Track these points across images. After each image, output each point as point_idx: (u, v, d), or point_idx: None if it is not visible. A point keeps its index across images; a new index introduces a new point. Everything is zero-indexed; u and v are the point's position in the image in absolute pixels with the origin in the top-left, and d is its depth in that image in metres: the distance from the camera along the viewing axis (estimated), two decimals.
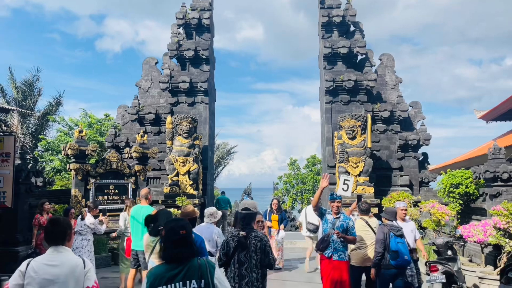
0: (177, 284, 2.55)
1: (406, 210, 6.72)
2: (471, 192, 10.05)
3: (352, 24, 15.63)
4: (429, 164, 15.59)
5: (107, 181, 11.59)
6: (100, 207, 11.26)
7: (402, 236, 5.78)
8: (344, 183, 10.98)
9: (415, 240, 6.93)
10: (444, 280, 6.34)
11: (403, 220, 6.81)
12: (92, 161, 13.14)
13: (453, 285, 6.63)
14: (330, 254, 5.50)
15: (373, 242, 6.11)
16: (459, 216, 10.25)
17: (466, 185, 10.01)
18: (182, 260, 2.60)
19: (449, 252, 7.00)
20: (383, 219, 6.14)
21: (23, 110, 22.17)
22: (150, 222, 4.52)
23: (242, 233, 4.17)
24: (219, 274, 2.67)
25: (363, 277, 6.25)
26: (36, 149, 24.55)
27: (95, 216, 8.00)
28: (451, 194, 10.25)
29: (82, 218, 7.33)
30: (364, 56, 15.49)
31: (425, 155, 15.40)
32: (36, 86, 27.07)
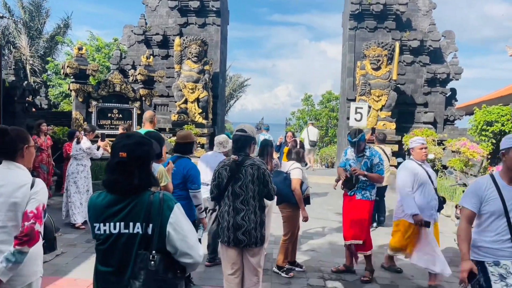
0: (117, 224, 1.85)
1: (426, 148, 4.53)
2: (507, 130, 9.08)
3: None
4: (456, 101, 14.44)
5: (110, 104, 10.82)
6: (104, 131, 10.76)
7: None
8: (356, 112, 10.01)
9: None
10: None
11: (422, 162, 4.61)
12: (93, 81, 12.26)
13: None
14: (352, 193, 4.74)
15: (387, 167, 7.01)
16: (489, 157, 9.38)
17: (502, 122, 9.01)
18: (123, 193, 1.87)
19: None
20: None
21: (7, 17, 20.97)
22: None
23: (233, 157, 3.39)
24: (178, 218, 1.88)
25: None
26: (45, 73, 23.86)
27: (93, 141, 7.34)
28: (483, 133, 9.30)
29: (78, 142, 6.64)
30: None
31: (453, 91, 14.20)
32: (43, 7, 25.77)
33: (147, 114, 6.04)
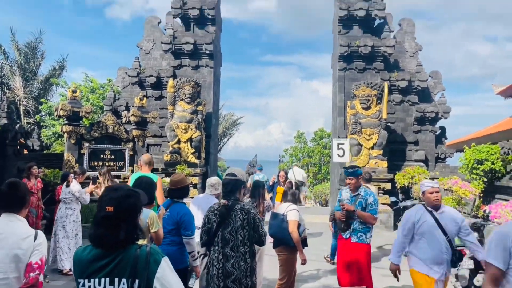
0: (102, 280, 1.81)
1: (437, 192, 3.97)
2: (497, 169, 9.17)
3: None
4: (446, 139, 14.65)
5: (103, 146, 10.84)
6: (96, 173, 10.69)
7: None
8: (338, 148, 10.03)
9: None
10: (472, 266, 5.56)
11: (435, 208, 3.99)
12: (86, 122, 12.33)
13: (480, 271, 5.90)
14: (348, 235, 4.69)
15: None
16: (481, 195, 9.41)
17: (492, 161, 9.10)
18: (108, 247, 1.84)
19: (476, 235, 6.21)
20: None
21: None
22: None
23: (223, 201, 3.39)
24: (165, 272, 1.85)
25: None
26: (39, 114, 23.97)
27: (84, 183, 7.28)
28: (474, 171, 9.36)
29: (67, 185, 6.58)
30: (382, 20, 14.31)
31: (442, 129, 14.44)
32: (39, 49, 26.29)
33: (145, 157, 5.97)
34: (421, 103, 14.03)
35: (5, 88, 23.79)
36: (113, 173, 10.81)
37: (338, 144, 8.93)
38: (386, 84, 12.42)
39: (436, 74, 14.52)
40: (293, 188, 5.65)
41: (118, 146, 11.04)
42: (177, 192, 4.15)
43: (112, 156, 10.96)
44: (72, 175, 6.91)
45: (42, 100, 23.12)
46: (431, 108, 13.70)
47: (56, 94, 26.32)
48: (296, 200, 5.26)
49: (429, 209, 3.99)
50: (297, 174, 12.33)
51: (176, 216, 3.90)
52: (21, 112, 23.37)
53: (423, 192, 4.08)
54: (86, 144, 10.56)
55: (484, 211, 7.32)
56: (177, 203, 4.05)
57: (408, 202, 9.96)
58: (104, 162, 10.84)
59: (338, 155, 8.89)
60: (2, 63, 24.77)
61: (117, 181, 8.56)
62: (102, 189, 6.15)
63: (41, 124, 22.92)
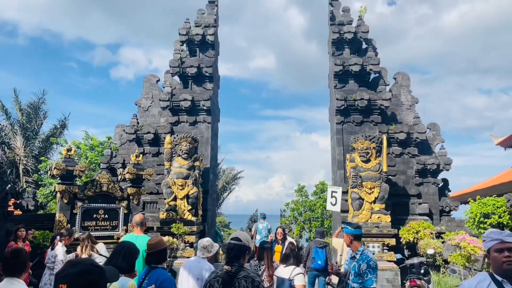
0: None
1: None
2: (505, 223, 8.80)
3: (364, 41, 14.78)
4: (449, 191, 14.32)
5: (96, 204, 10.51)
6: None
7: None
8: (331, 196, 9.51)
9: None
10: None
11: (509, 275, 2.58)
12: (79, 182, 12.13)
13: None
14: None
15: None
16: None
17: (499, 214, 8.77)
18: None
19: (422, 271, 7.61)
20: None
21: None
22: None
23: (226, 267, 3.11)
24: None
25: None
26: (37, 173, 23.85)
27: (71, 246, 6.92)
28: (481, 225, 9.00)
29: (52, 248, 6.22)
30: (377, 74, 14.55)
31: (445, 181, 14.15)
32: (41, 109, 26.80)
33: (137, 218, 5.65)
34: (421, 155, 13.87)
35: (6, 148, 23.85)
36: (106, 233, 10.44)
37: (332, 192, 8.60)
38: (384, 137, 12.33)
39: (434, 126, 14.49)
40: (296, 249, 5.31)
41: (112, 204, 10.71)
42: (155, 257, 3.88)
43: (106, 216, 10.59)
44: (58, 237, 6.58)
45: (42, 158, 23.10)
46: (432, 160, 13.51)
47: (56, 152, 26.42)
48: (299, 262, 4.99)
49: (499, 279, 2.52)
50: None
51: (155, 283, 3.60)
52: (20, 171, 23.26)
53: (488, 250, 2.65)
54: (79, 204, 10.24)
55: None
56: (155, 269, 3.77)
57: (415, 260, 9.44)
58: (97, 221, 10.46)
59: (331, 203, 8.52)
60: (3, 124, 25.06)
61: (99, 245, 8.03)
62: (84, 256, 5.80)
63: (39, 183, 22.72)
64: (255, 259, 5.63)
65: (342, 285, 4.43)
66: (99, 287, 1.72)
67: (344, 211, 13.29)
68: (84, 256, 6.18)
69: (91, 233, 10.17)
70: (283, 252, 8.69)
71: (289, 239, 10.08)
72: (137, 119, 14.65)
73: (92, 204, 10.45)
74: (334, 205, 8.23)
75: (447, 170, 13.68)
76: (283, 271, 4.80)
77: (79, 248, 6.61)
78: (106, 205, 10.63)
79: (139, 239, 5.32)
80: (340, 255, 8.03)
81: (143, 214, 13.68)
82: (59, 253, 6.18)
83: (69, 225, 9.83)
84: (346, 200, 13.00)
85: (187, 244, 11.86)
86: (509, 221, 8.81)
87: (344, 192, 13.13)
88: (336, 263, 8.34)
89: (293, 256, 4.97)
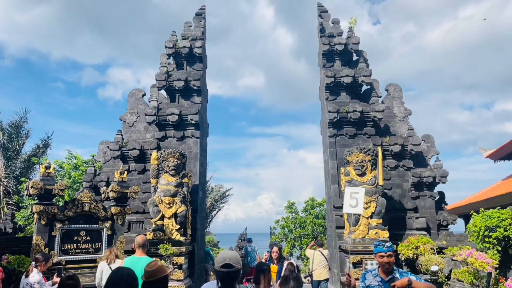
0: None
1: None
2: (511, 236, 8.38)
3: (355, 52, 14.55)
4: (446, 204, 13.95)
5: (78, 226, 9.78)
6: (69, 257, 9.54)
7: None
8: (351, 197, 8.52)
9: None
10: None
11: None
12: (66, 198, 11.41)
13: None
14: None
15: (325, 265, 10.39)
16: (497, 266, 8.50)
17: (504, 227, 8.35)
18: None
19: None
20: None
21: None
22: None
23: None
24: None
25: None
26: (18, 194, 22.86)
27: (49, 272, 6.24)
28: (486, 239, 8.56)
29: (27, 275, 5.56)
30: (369, 86, 14.27)
31: (441, 194, 13.78)
32: (23, 128, 25.95)
33: (139, 239, 5.52)
34: (417, 167, 13.52)
35: None
36: (88, 256, 9.71)
37: (352, 193, 7.87)
38: (379, 149, 11.94)
39: (428, 138, 14.20)
40: (296, 270, 4.76)
41: (95, 225, 10.00)
42: (153, 286, 3.28)
43: (88, 237, 9.86)
44: (33, 263, 5.91)
45: (23, 179, 22.17)
46: (427, 172, 13.16)
47: (38, 172, 25.44)
48: (300, 285, 4.42)
49: None
50: (316, 259, 10.63)
51: None
52: (1, 193, 22.24)
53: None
54: (59, 225, 9.50)
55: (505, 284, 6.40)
56: None
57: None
58: (78, 244, 9.72)
59: (350, 205, 7.82)
60: None
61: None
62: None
63: (20, 204, 21.74)
64: (252, 282, 5.12)
65: None
66: None
67: (340, 227, 12.78)
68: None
69: (72, 256, 9.51)
70: (282, 274, 8.10)
71: (290, 260, 9.52)
72: (122, 135, 14.02)
73: (72, 226, 9.73)
74: (355, 207, 7.59)
75: (444, 182, 13.33)
76: None
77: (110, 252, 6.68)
78: (88, 226, 9.91)
79: (141, 261, 5.16)
80: (312, 263, 10.58)
81: (128, 230, 12.96)
82: (33, 281, 5.52)
83: (47, 248, 9.08)
84: (342, 216, 12.51)
85: (176, 266, 11.15)
86: None
87: (339, 207, 12.65)
88: (309, 270, 11.21)
89: (293, 278, 4.44)
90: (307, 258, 13.81)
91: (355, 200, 7.59)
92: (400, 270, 3.75)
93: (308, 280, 8.85)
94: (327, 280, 10.46)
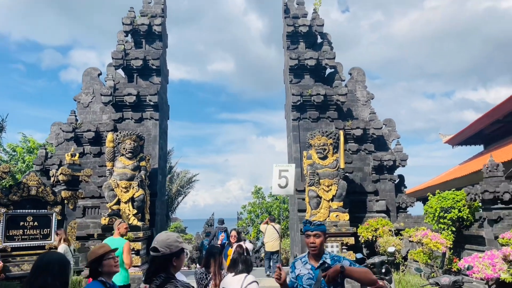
0: None
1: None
2: (465, 217, 8.53)
3: (319, 35, 14.36)
4: (405, 187, 14.18)
5: (24, 211, 9.21)
6: (15, 244, 8.99)
7: None
8: (280, 176, 7.80)
9: None
10: None
11: None
12: (4, 184, 10.71)
13: None
14: None
15: (276, 238, 11.33)
16: (451, 246, 8.66)
17: (459, 208, 8.48)
18: None
19: (383, 270, 7.04)
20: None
21: None
22: None
23: (142, 285, 2.41)
24: None
25: None
26: None
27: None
28: (441, 220, 8.68)
29: None
30: (333, 69, 14.16)
31: (401, 177, 13.98)
32: None
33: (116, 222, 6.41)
34: (378, 151, 13.62)
35: None
36: (36, 243, 9.18)
37: (280, 171, 6.84)
38: (341, 133, 11.90)
39: (390, 122, 14.32)
40: (245, 253, 4.50)
41: (43, 210, 9.45)
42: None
43: (35, 223, 9.30)
44: None
45: None
46: (388, 156, 13.28)
47: None
48: (249, 268, 4.17)
49: None
50: (268, 232, 11.73)
51: None
52: None
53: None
54: (3, 210, 8.90)
55: (463, 268, 6.45)
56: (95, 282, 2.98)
57: (376, 259, 8.95)
58: (25, 230, 9.17)
59: (280, 185, 6.81)
60: None
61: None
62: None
63: None
64: (201, 266, 4.87)
65: None
66: None
67: (302, 210, 12.72)
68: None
69: (18, 243, 8.96)
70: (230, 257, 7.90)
71: (247, 243, 9.34)
72: (76, 116, 13.31)
73: (18, 211, 9.15)
74: (284, 187, 6.89)
75: (403, 166, 13.51)
76: (233, 281, 3.99)
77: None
78: (35, 211, 9.35)
79: (116, 242, 5.66)
80: (264, 236, 11.68)
81: (82, 215, 12.41)
82: None
83: None
84: (303, 199, 12.45)
85: (133, 252, 10.75)
86: (469, 215, 8.56)
87: (301, 191, 12.59)
88: (262, 242, 12.53)
89: (242, 261, 4.17)
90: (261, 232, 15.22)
91: (285, 179, 6.97)
92: (332, 254, 3.28)
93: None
94: (278, 252, 11.30)
